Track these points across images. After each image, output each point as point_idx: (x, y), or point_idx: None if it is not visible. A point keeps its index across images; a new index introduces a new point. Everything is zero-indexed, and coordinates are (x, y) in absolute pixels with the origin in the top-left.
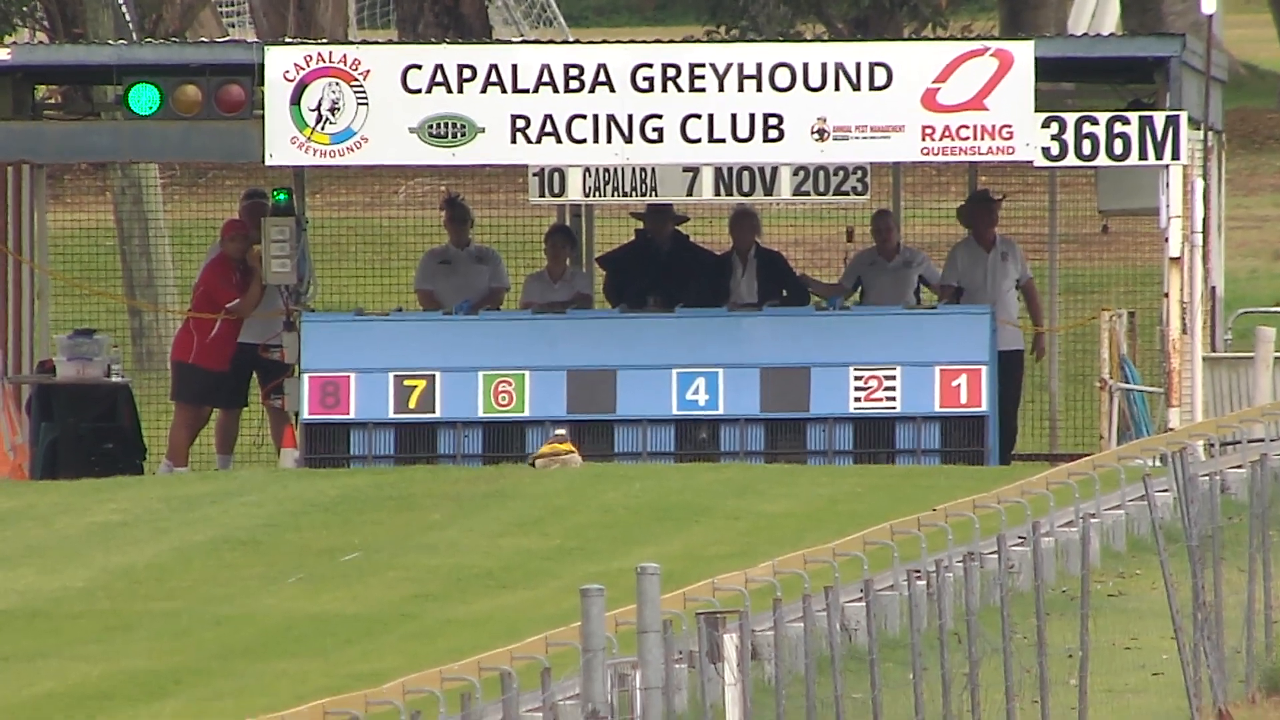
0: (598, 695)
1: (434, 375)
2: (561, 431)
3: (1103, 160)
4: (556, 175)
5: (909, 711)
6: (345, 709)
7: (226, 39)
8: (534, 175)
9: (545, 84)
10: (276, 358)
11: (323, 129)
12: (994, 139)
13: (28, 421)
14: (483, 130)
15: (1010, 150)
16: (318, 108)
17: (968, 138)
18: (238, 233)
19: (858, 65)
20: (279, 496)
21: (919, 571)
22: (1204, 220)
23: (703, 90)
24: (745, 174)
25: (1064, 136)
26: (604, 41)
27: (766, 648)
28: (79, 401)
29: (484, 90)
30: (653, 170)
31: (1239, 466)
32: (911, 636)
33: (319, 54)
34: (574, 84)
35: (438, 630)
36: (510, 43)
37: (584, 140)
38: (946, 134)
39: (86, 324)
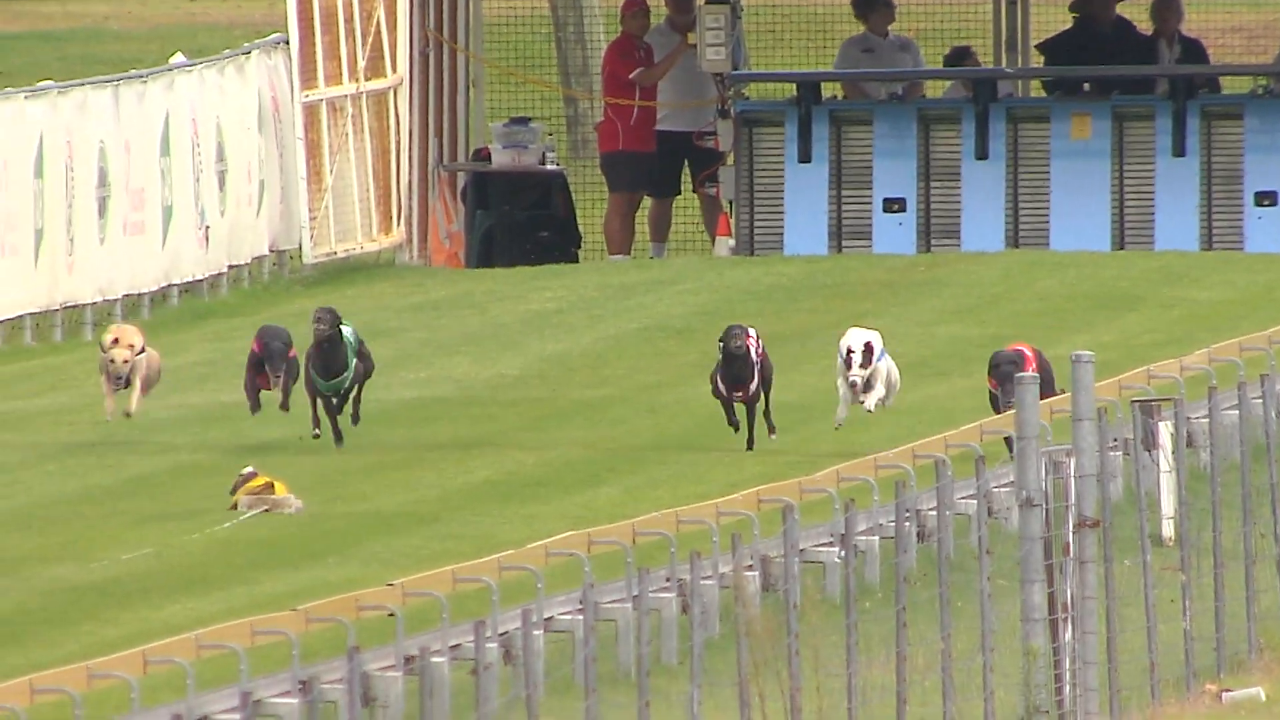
0: (1031, 482)
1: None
2: (249, 470)
3: None
4: None
5: None
6: (780, 496)
7: None
8: None
9: None
10: (710, 146)
11: None
12: None
13: (463, 209)
14: None
15: None
16: None
17: None
18: (638, 9)
19: None
20: (714, 284)
21: None
22: None
23: None
24: None
25: None
26: None
27: (1201, 435)
28: (514, 189)
29: None
30: None
31: None
32: None
33: None
34: None
35: (870, 418)
36: None
37: None
38: None
39: (521, 112)
